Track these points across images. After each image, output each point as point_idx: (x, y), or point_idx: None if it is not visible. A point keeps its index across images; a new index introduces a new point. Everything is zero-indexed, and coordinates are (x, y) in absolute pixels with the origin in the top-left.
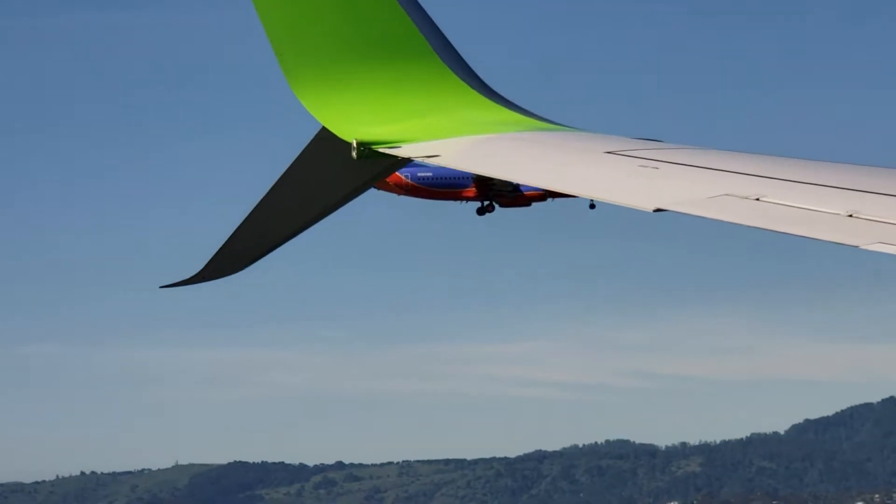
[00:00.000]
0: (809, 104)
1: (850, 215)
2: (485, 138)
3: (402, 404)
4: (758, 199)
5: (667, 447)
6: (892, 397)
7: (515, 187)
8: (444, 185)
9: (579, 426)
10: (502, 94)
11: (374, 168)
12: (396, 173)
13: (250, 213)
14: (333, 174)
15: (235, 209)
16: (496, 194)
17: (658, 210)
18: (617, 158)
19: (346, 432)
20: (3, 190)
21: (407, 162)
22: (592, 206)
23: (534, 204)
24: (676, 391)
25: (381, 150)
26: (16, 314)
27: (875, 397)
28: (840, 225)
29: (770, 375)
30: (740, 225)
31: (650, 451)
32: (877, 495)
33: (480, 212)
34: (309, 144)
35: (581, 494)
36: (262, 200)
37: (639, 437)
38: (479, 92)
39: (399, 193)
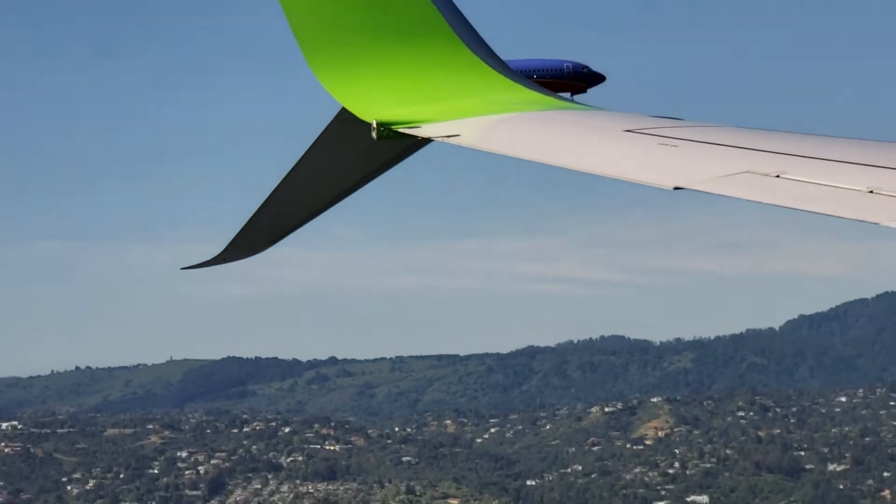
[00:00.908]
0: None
1: (871, 191)
2: (504, 118)
3: (398, 301)
4: (778, 177)
5: (661, 343)
6: (886, 293)
7: None
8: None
9: (575, 322)
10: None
11: (395, 148)
12: None
13: (270, 195)
14: (353, 155)
15: (255, 191)
16: None
17: (678, 188)
18: (636, 136)
19: (340, 329)
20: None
21: (427, 142)
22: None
23: None
24: (674, 287)
25: (401, 131)
26: (16, 210)
27: (870, 293)
28: (861, 201)
29: (768, 271)
30: (760, 203)
31: (643, 347)
32: (860, 390)
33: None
34: (329, 125)
35: (572, 390)
36: (282, 181)
37: (634, 333)
38: (499, 71)
39: None
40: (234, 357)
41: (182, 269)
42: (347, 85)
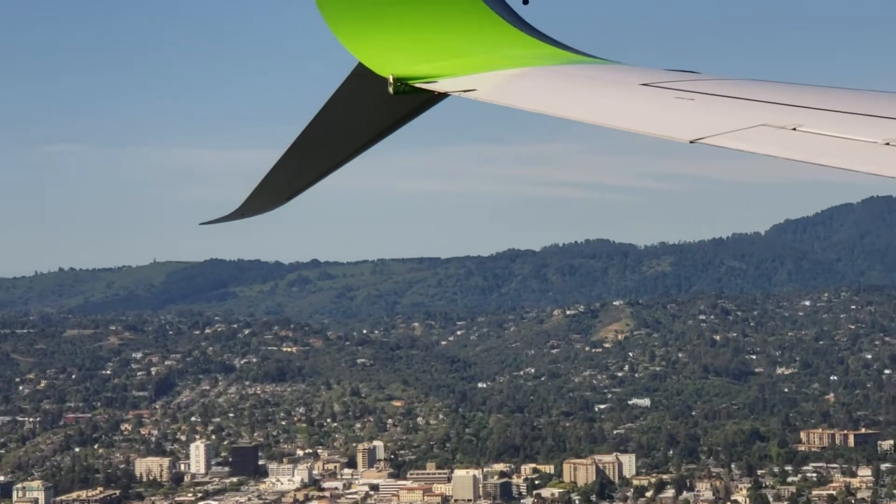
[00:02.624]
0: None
1: (888, 143)
2: (520, 72)
3: (385, 203)
4: (794, 129)
5: (645, 247)
6: (871, 197)
7: None
8: None
9: (561, 226)
10: (537, 26)
11: (411, 103)
12: None
13: (288, 150)
14: (370, 109)
15: (272, 146)
16: None
17: (694, 141)
18: (652, 90)
19: (324, 232)
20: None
21: (443, 96)
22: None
23: None
24: (663, 192)
25: (417, 86)
26: (14, 112)
27: (856, 198)
28: (877, 154)
29: (757, 177)
30: (776, 157)
31: (623, 251)
32: (826, 294)
33: None
34: (346, 80)
35: (550, 293)
36: (299, 136)
37: (620, 237)
38: (515, 25)
39: None
40: (216, 259)
41: (201, 224)
42: (364, 40)
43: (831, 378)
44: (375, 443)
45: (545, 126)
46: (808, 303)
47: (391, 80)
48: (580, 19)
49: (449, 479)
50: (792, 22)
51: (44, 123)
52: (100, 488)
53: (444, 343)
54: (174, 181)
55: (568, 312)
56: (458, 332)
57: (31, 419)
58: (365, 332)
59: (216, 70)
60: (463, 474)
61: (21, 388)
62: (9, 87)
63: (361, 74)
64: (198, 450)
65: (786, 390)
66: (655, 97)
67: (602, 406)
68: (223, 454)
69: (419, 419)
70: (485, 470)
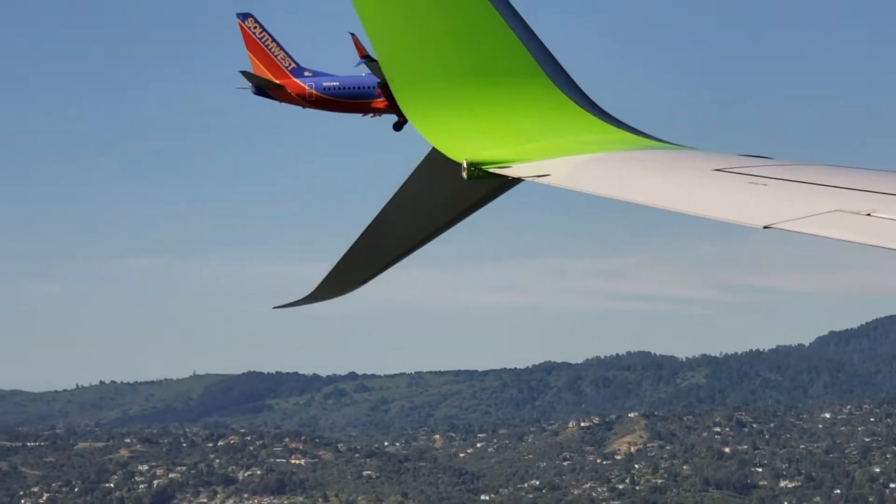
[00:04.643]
0: None
1: None
2: (594, 157)
3: (424, 316)
4: (869, 215)
5: (686, 359)
6: None
7: None
8: (352, 96)
9: (603, 338)
10: (610, 111)
11: (485, 188)
12: (300, 83)
13: (361, 234)
14: (444, 194)
15: (345, 231)
16: None
17: (767, 227)
18: (725, 175)
19: (362, 344)
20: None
21: (518, 182)
22: None
23: None
24: (708, 303)
25: (491, 171)
26: (65, 224)
27: None
28: None
29: (804, 287)
30: (851, 242)
31: (659, 363)
32: (848, 406)
33: (397, 127)
34: (419, 165)
35: (582, 405)
36: (373, 221)
37: (661, 349)
38: (588, 111)
39: (304, 106)
40: (254, 372)
41: (274, 308)
42: (438, 125)
43: (834, 492)
44: None
45: (594, 238)
46: (828, 415)
47: (465, 165)
48: (652, 104)
49: None
50: (864, 108)
51: (87, 240)
52: None
53: (461, 455)
54: (216, 293)
55: (583, 424)
56: (478, 444)
57: None
58: (385, 444)
59: (256, 180)
60: None
61: (23, 501)
62: (53, 199)
63: (435, 159)
64: None
65: (786, 503)
66: (728, 182)
67: None
68: None
69: None
70: None
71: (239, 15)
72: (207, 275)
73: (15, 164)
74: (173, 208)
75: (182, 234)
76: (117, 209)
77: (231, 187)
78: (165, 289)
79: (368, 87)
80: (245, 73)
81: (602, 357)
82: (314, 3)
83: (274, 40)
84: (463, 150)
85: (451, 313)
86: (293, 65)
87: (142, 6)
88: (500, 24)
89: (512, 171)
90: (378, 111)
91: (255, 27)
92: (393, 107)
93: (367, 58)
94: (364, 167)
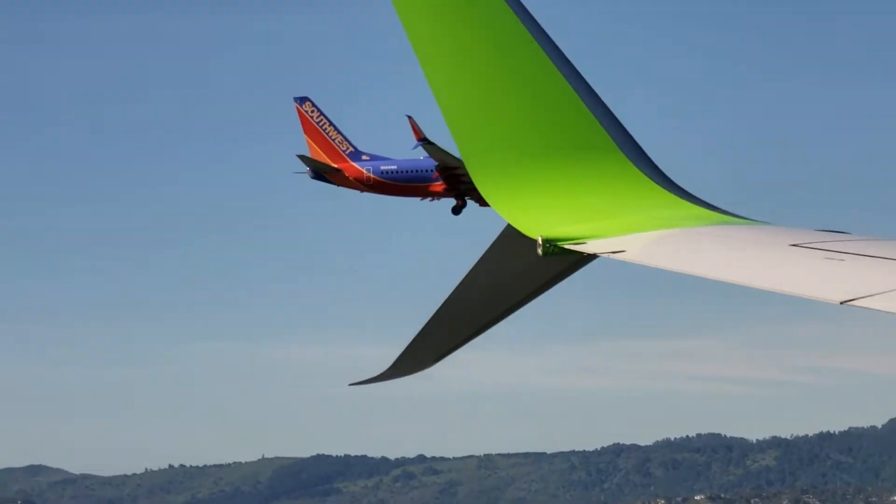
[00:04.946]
0: None
1: None
2: (669, 233)
3: (496, 397)
4: None
5: (757, 441)
6: None
7: None
8: (410, 179)
9: (675, 419)
10: (684, 186)
11: (560, 264)
12: (357, 167)
13: (437, 311)
14: (519, 271)
15: (409, 314)
16: (468, 188)
17: (844, 303)
18: (802, 251)
19: (432, 425)
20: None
21: (593, 258)
22: None
23: None
24: (781, 384)
25: (566, 247)
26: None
27: None
28: None
29: (876, 369)
30: None
31: (729, 445)
32: None
33: (456, 210)
34: (494, 242)
35: (651, 488)
36: (449, 297)
37: (732, 430)
38: (663, 186)
39: (362, 190)
40: (323, 455)
41: (350, 385)
42: (512, 201)
43: None
44: None
45: (664, 317)
46: None
47: (540, 242)
48: (726, 180)
49: None
50: None
51: (153, 324)
52: None
53: None
54: (284, 376)
55: None
56: None
57: None
58: None
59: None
60: None
61: None
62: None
63: (510, 236)
64: None
65: None
66: (805, 258)
67: None
68: None
69: None
70: None
71: (296, 99)
72: (275, 358)
73: (84, 249)
74: (238, 294)
75: (250, 319)
76: (182, 295)
77: (295, 272)
78: (233, 372)
79: (426, 171)
80: (302, 158)
81: (671, 439)
82: (371, 86)
83: (331, 124)
84: (538, 226)
85: (520, 394)
86: (351, 148)
87: (195, 89)
88: (574, 101)
89: (587, 248)
90: (437, 195)
91: (312, 111)
92: (451, 190)
93: (424, 140)
94: (424, 251)
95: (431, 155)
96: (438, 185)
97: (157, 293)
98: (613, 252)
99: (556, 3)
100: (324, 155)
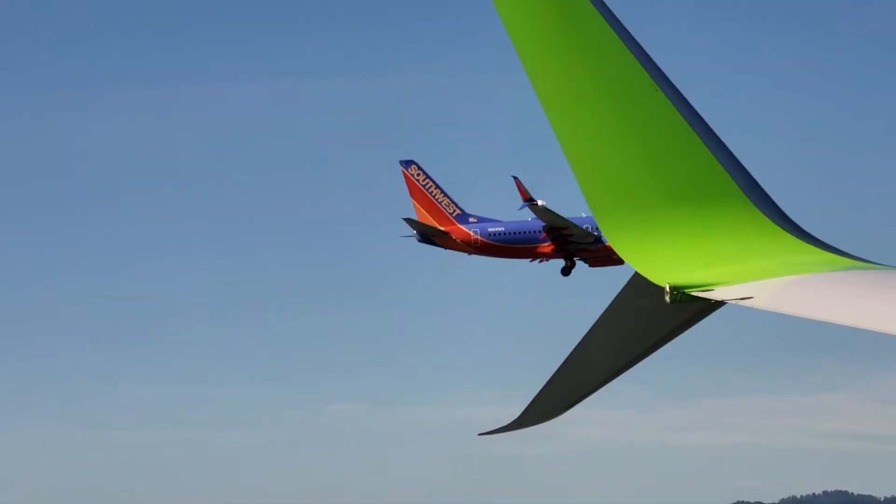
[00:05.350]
0: None
1: None
2: (798, 279)
3: (618, 454)
4: None
5: (885, 498)
6: None
7: (597, 238)
8: (518, 241)
9: (800, 476)
10: (812, 232)
11: (688, 312)
12: (465, 229)
13: (566, 360)
14: (647, 319)
15: (536, 368)
16: (577, 249)
17: None
18: None
19: (555, 482)
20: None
21: (720, 305)
22: None
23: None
24: None
25: (694, 294)
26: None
27: None
28: None
29: None
30: None
31: (854, 502)
32: None
33: (565, 271)
34: (622, 290)
35: None
36: (577, 346)
37: (860, 488)
38: (790, 233)
39: (469, 252)
40: None
41: (479, 434)
42: (639, 249)
43: None
44: None
45: (791, 368)
46: None
47: (668, 289)
48: (851, 225)
49: None
50: None
51: (281, 386)
52: None
53: None
54: (408, 435)
55: None
56: None
57: None
58: None
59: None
60: None
61: None
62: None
63: (637, 284)
64: None
65: None
66: None
67: None
68: None
69: None
70: None
71: (402, 162)
72: (398, 418)
73: (210, 307)
74: (350, 358)
75: (373, 381)
76: (300, 358)
77: (404, 335)
78: (357, 433)
79: (534, 232)
80: (409, 221)
81: (798, 496)
82: (476, 147)
83: (437, 186)
84: (665, 273)
85: (640, 451)
86: (457, 211)
87: (297, 154)
88: (699, 147)
89: (715, 294)
90: (545, 256)
91: (418, 174)
92: (560, 250)
93: (530, 201)
94: (533, 313)
95: (538, 216)
96: (546, 246)
97: (274, 355)
98: (741, 298)
99: (677, 50)
100: (431, 218)
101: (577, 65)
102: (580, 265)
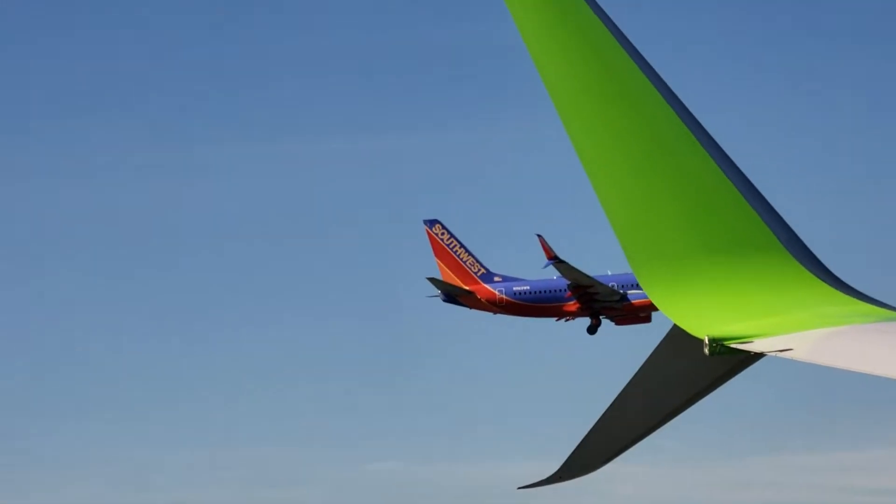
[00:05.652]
0: None
1: None
2: (837, 330)
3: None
4: None
5: None
6: None
7: (622, 296)
8: (543, 300)
9: None
10: (850, 282)
11: (727, 364)
12: (490, 288)
13: (604, 413)
14: (686, 372)
15: (568, 425)
16: (602, 307)
17: None
18: None
19: None
20: None
21: (759, 357)
22: None
23: (654, 316)
24: None
25: (733, 346)
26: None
27: None
28: None
29: None
30: None
31: None
32: None
33: (591, 330)
34: (661, 342)
35: None
36: (615, 399)
37: None
38: (830, 284)
39: (495, 312)
40: None
41: (518, 488)
42: (678, 301)
43: None
44: None
45: (832, 423)
46: None
47: (707, 342)
48: (890, 276)
49: None
50: None
51: (316, 446)
52: None
53: None
54: (447, 494)
55: None
56: None
57: None
58: None
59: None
60: None
61: None
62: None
63: (676, 336)
64: None
65: None
66: None
67: None
68: None
69: None
70: None
71: (426, 222)
72: (434, 475)
73: (256, 376)
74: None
75: (407, 438)
76: (337, 416)
77: (433, 395)
78: (396, 491)
79: (559, 290)
80: (433, 280)
81: None
82: (499, 206)
83: (462, 245)
84: (704, 326)
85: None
86: (482, 270)
87: (318, 214)
88: (736, 198)
89: (754, 346)
90: (570, 314)
91: (442, 233)
92: (585, 309)
93: (555, 259)
94: (561, 372)
95: (563, 274)
96: (572, 305)
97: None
98: (781, 350)
99: (713, 108)
100: (455, 277)
101: (616, 118)
102: (606, 323)
